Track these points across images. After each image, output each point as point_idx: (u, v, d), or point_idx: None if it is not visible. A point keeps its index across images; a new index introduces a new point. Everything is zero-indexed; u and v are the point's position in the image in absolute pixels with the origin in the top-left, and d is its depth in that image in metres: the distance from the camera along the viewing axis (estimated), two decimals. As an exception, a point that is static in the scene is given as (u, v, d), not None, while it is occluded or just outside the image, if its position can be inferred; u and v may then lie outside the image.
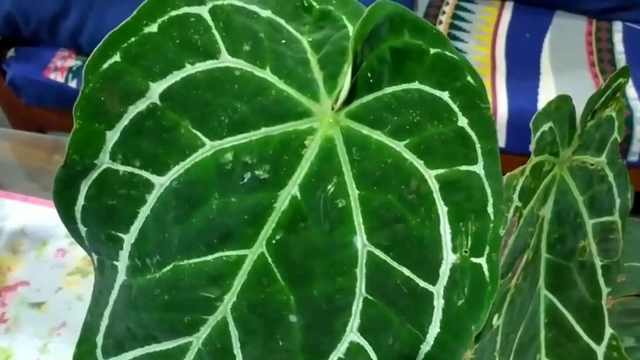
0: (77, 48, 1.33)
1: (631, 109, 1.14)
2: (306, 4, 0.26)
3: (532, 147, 0.30)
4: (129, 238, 0.27)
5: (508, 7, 1.38)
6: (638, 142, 1.15)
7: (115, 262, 0.28)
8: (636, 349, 0.39)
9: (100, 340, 0.29)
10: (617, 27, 1.33)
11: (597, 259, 0.38)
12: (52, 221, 0.69)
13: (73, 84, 1.31)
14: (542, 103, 1.15)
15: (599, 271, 0.38)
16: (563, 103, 0.31)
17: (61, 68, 1.31)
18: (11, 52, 1.39)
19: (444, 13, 1.37)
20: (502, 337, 0.37)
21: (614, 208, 0.37)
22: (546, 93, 1.16)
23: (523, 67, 1.23)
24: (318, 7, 0.26)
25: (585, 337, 0.38)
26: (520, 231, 0.33)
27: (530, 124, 0.30)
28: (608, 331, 0.38)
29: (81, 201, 0.27)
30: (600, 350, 0.38)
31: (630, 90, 1.15)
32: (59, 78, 1.31)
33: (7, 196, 0.72)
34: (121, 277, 0.28)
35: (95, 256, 0.29)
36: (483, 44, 1.29)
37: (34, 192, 0.72)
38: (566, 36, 1.30)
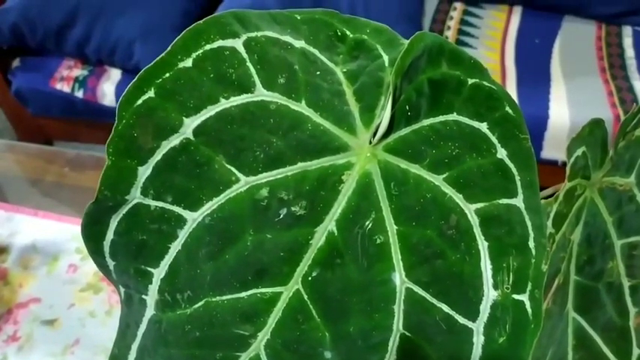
0: (83, 57, 1.32)
1: None
2: (339, 34, 0.26)
3: (567, 172, 0.30)
4: (159, 273, 0.26)
5: (516, 12, 1.37)
6: None
7: (143, 296, 0.27)
8: (665, 371, 0.39)
9: (128, 374, 0.28)
10: (627, 31, 1.33)
11: (625, 280, 0.37)
12: (62, 236, 0.68)
13: (79, 94, 1.31)
14: (553, 110, 1.14)
15: (627, 292, 0.37)
16: (596, 126, 0.31)
17: (67, 78, 1.31)
18: (16, 62, 1.39)
19: (451, 18, 1.37)
20: (532, 357, 0.37)
21: (643, 229, 0.36)
22: (557, 100, 1.16)
23: (533, 73, 1.23)
24: (351, 36, 0.26)
25: (613, 358, 0.38)
26: (552, 257, 0.32)
27: (565, 150, 0.29)
28: (636, 352, 0.37)
29: (110, 235, 0.26)
30: (628, 372, 0.37)
31: None
32: (65, 88, 1.30)
33: (16, 210, 0.71)
34: (149, 311, 0.27)
35: (122, 289, 0.28)
36: (492, 50, 1.29)
37: (43, 206, 0.72)
38: (575, 41, 1.29)
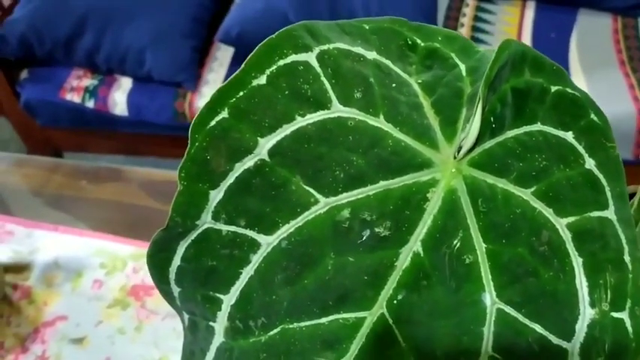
0: (93, 67, 1.30)
1: None
2: (410, 43, 0.25)
3: (631, 149, 0.29)
4: (229, 299, 0.25)
5: (530, 7, 1.36)
6: None
7: (211, 323, 0.26)
8: None
9: (195, 404, 0.27)
10: None
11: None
12: (85, 251, 0.67)
13: (90, 104, 1.29)
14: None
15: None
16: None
17: (77, 88, 1.29)
18: (24, 74, 1.37)
19: (464, 15, 1.35)
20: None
21: None
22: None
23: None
24: (423, 44, 0.25)
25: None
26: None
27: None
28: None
29: (177, 262, 0.25)
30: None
31: None
32: (76, 98, 1.28)
33: (35, 226, 0.70)
34: (218, 338, 0.26)
35: (186, 316, 0.27)
36: (509, 46, 1.27)
37: (63, 221, 0.70)
38: (592, 35, 1.28)
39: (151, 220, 0.70)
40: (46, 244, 0.68)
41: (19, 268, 0.66)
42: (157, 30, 1.23)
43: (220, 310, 0.26)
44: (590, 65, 1.21)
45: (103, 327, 0.60)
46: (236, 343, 0.26)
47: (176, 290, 0.26)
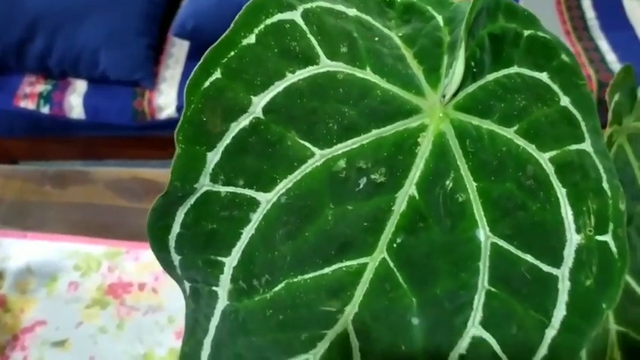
0: (46, 72, 1.27)
1: (613, 73, 1.18)
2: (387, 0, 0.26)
3: (609, 118, 0.31)
4: (230, 261, 0.26)
5: None
6: None
7: (213, 288, 0.27)
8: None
9: (202, 370, 0.28)
10: None
11: (653, 222, 0.38)
12: (57, 255, 0.66)
13: (45, 110, 1.26)
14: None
15: (655, 233, 0.38)
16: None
17: (31, 95, 1.26)
18: (-25, 85, 1.32)
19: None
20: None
21: (665, 171, 0.38)
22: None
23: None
24: (399, 0, 0.26)
25: (648, 299, 0.39)
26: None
27: (606, 96, 0.30)
28: (668, 290, 0.39)
29: (176, 229, 0.26)
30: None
31: (609, 53, 1.19)
32: (30, 105, 1.25)
33: (2, 234, 0.68)
34: (222, 302, 0.27)
35: (187, 285, 0.28)
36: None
37: (29, 227, 0.69)
38: (537, 7, 1.32)
39: (121, 218, 0.69)
40: (16, 251, 0.66)
41: (-10, 277, 0.65)
42: (110, 30, 1.21)
43: (223, 273, 0.26)
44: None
45: (83, 328, 0.59)
46: (241, 304, 0.26)
47: (176, 259, 0.26)
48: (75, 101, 1.25)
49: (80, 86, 1.27)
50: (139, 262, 0.64)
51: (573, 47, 1.23)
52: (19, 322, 0.61)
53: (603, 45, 1.19)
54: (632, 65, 0.32)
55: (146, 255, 0.65)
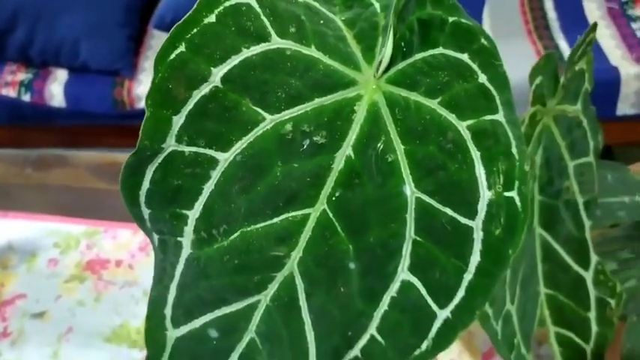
0: (27, 61, 1.30)
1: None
2: (332, -12, 0.30)
3: (530, 98, 0.35)
4: (193, 214, 0.30)
5: None
6: None
7: (178, 239, 0.30)
8: (619, 271, 0.45)
9: (168, 311, 0.31)
10: None
11: (579, 197, 0.43)
12: (37, 234, 0.69)
13: (26, 97, 1.29)
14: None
15: (582, 207, 0.43)
16: (549, 59, 0.36)
17: (12, 83, 1.28)
18: (-43, 73, 1.34)
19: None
20: (510, 271, 0.42)
21: (589, 150, 0.42)
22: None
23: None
24: (343, -11, 0.30)
25: (575, 266, 0.43)
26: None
27: (528, 78, 0.34)
28: (594, 258, 0.43)
29: (146, 185, 0.29)
30: (589, 276, 0.43)
31: (568, 53, 1.25)
32: (11, 93, 1.28)
33: (-16, 214, 0.71)
34: (186, 251, 0.30)
35: (156, 237, 0.31)
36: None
37: (11, 208, 0.72)
38: (502, 8, 1.39)
39: (101, 200, 0.73)
40: (-2, 229, 0.69)
41: (-28, 254, 0.68)
42: (91, 20, 1.24)
43: (187, 225, 0.30)
44: (501, 35, 1.31)
45: (62, 301, 0.63)
46: (202, 251, 0.30)
47: (146, 212, 0.30)
48: (56, 90, 1.28)
49: (61, 75, 1.31)
50: (116, 240, 0.68)
51: (534, 45, 1.29)
52: (0, 295, 0.64)
53: (562, 44, 1.25)
54: (554, 52, 0.36)
55: (123, 234, 0.68)
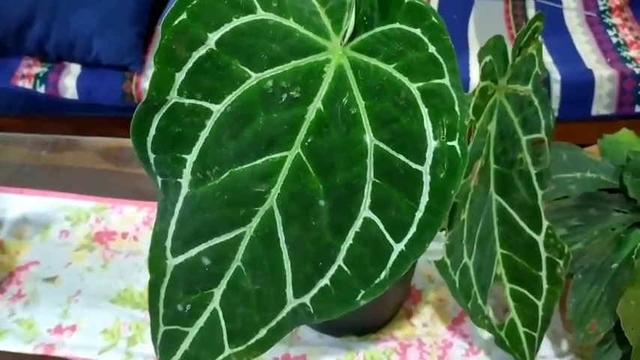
0: (43, 55, 1.38)
1: (547, 72, 1.31)
2: (310, -27, 0.36)
3: (480, 74, 0.41)
4: (191, 158, 0.36)
5: None
6: (556, 99, 1.32)
7: (178, 180, 0.36)
8: (568, 236, 0.51)
9: (168, 243, 0.37)
10: (530, 4, 1.55)
11: (532, 168, 0.48)
12: (50, 208, 0.75)
13: (41, 89, 1.37)
14: (472, 72, 1.30)
15: (534, 178, 0.48)
16: (498, 41, 0.42)
17: (29, 75, 1.36)
18: (-25, 65, 1.43)
19: None
20: (467, 229, 0.48)
21: (541, 127, 0.48)
22: (476, 65, 1.32)
23: (454, 43, 1.38)
24: (319, -26, 0.36)
25: (528, 230, 0.49)
26: (475, 140, 0.43)
27: (477, 56, 0.40)
28: (545, 223, 0.49)
29: (152, 132, 0.35)
30: (540, 239, 0.49)
31: (546, 55, 1.32)
32: (27, 85, 1.35)
33: (2, 191, 0.77)
34: (184, 190, 0.36)
35: (160, 179, 0.37)
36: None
37: (26, 186, 0.78)
38: (487, 15, 1.47)
39: (109, 180, 0.79)
40: (14, 204, 0.75)
41: (-10, 225, 0.73)
42: (104, 17, 1.32)
43: (185, 167, 0.36)
44: (485, 40, 1.38)
45: (72, 267, 0.68)
46: (197, 190, 0.36)
47: (152, 157, 0.36)
48: (69, 82, 1.36)
49: (75, 69, 1.38)
50: (122, 215, 0.74)
51: (516, 48, 1.36)
52: (15, 262, 0.69)
53: (544, 48, 1.33)
54: (502, 36, 0.42)
55: (129, 210, 0.74)
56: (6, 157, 0.83)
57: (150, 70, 1.39)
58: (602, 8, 1.48)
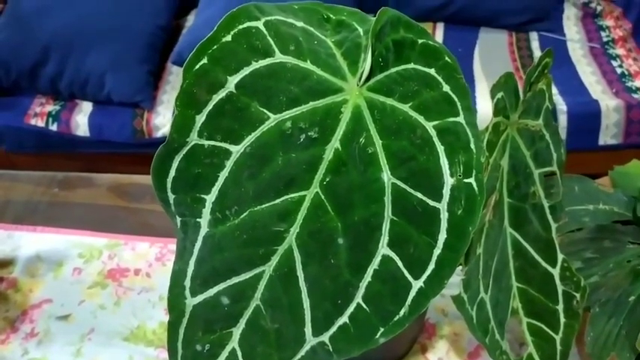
0: (55, 93, 1.40)
1: (554, 103, 1.32)
2: (325, 17, 0.37)
3: (492, 110, 0.42)
4: (210, 198, 0.36)
5: (439, 27, 1.59)
6: (563, 130, 1.34)
7: (198, 220, 0.37)
8: (583, 269, 0.51)
9: (187, 283, 0.37)
10: (534, 36, 1.57)
11: (545, 201, 0.49)
12: (63, 245, 0.75)
13: (53, 127, 1.39)
14: (479, 105, 1.31)
15: (548, 211, 0.49)
16: (509, 78, 0.43)
17: (41, 114, 1.38)
18: (-11, 103, 1.45)
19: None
20: (483, 263, 0.48)
21: (553, 160, 0.48)
22: (482, 96, 1.33)
23: (460, 76, 1.41)
24: (334, 17, 0.37)
25: (543, 263, 0.49)
26: (489, 175, 0.43)
27: (489, 93, 0.41)
28: (560, 256, 0.48)
29: (172, 173, 0.36)
30: (556, 272, 0.49)
31: (552, 87, 1.34)
32: (40, 123, 1.38)
33: (15, 228, 0.78)
34: (203, 230, 0.37)
35: (179, 219, 0.38)
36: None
37: (39, 224, 0.78)
38: (492, 48, 1.50)
39: (121, 216, 0.79)
40: (27, 242, 0.76)
41: (4, 263, 0.74)
42: (116, 56, 1.35)
43: (205, 207, 0.36)
44: (491, 72, 1.41)
45: (85, 305, 0.68)
46: (217, 229, 0.36)
47: (172, 197, 0.37)
48: (81, 120, 1.38)
49: (86, 107, 1.41)
50: (135, 251, 0.74)
51: (521, 81, 1.37)
52: (28, 300, 0.70)
53: (548, 80, 1.34)
54: (512, 72, 0.43)
55: (141, 246, 0.75)
56: (18, 194, 0.84)
57: (161, 107, 1.41)
58: (605, 39, 1.50)
